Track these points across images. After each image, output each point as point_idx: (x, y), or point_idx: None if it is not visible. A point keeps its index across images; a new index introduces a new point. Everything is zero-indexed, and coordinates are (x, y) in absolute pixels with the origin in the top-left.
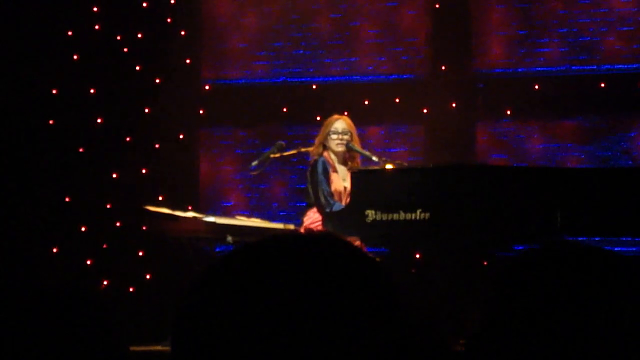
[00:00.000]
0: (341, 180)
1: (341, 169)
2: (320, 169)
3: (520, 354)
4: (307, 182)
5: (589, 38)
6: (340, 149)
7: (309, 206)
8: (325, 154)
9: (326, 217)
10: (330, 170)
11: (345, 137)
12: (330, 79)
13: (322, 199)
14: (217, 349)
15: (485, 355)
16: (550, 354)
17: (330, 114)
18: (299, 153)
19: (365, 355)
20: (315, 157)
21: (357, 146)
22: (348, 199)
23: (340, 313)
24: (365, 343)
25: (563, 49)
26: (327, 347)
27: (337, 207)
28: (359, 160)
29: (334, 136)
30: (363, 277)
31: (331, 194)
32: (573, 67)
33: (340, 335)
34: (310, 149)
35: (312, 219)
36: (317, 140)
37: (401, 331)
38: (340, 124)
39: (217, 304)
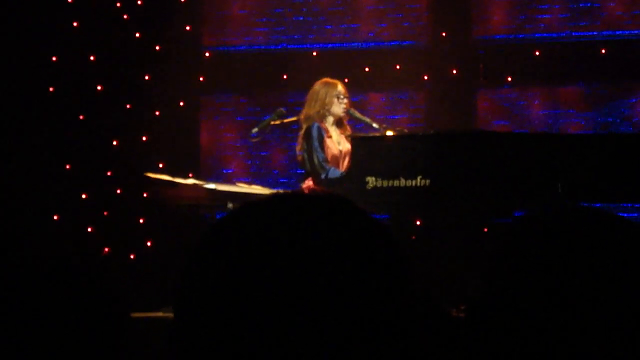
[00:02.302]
0: (336, 144)
1: (335, 132)
2: (315, 135)
3: (520, 319)
4: (303, 149)
5: (589, 4)
6: (344, 113)
7: (306, 174)
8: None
9: (324, 183)
10: (325, 135)
11: (346, 100)
12: (331, 45)
13: (317, 166)
14: (219, 310)
15: (485, 321)
16: (550, 318)
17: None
18: (299, 120)
19: (367, 316)
20: (308, 124)
21: (356, 112)
22: (345, 161)
23: (343, 273)
24: (368, 303)
25: (563, 15)
26: (330, 307)
27: (331, 173)
28: (347, 126)
29: (341, 99)
30: (366, 236)
31: (326, 160)
32: (574, 33)
33: (343, 295)
34: (302, 115)
35: (310, 185)
36: (315, 106)
37: (405, 290)
38: (342, 88)
39: (219, 265)
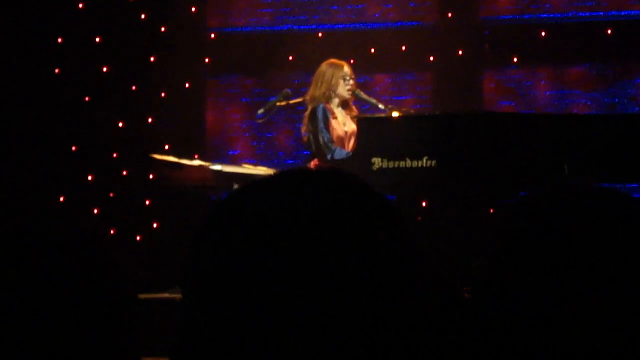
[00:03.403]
0: (341, 125)
1: (340, 113)
2: (320, 116)
3: (526, 300)
4: (308, 130)
5: None
6: (349, 94)
7: (312, 155)
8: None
9: (330, 163)
10: (330, 116)
11: (352, 82)
12: (337, 26)
13: (323, 146)
14: (228, 290)
15: (491, 302)
16: (557, 298)
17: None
18: (305, 101)
19: (374, 292)
20: (314, 105)
21: (362, 93)
22: (350, 142)
23: (350, 249)
24: (374, 278)
25: None
26: (337, 282)
27: (337, 153)
28: (353, 107)
29: (347, 81)
30: (374, 212)
31: (332, 141)
32: (579, 14)
33: (351, 271)
34: (307, 96)
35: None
36: (321, 87)
37: (411, 268)
38: (348, 69)
39: (226, 244)
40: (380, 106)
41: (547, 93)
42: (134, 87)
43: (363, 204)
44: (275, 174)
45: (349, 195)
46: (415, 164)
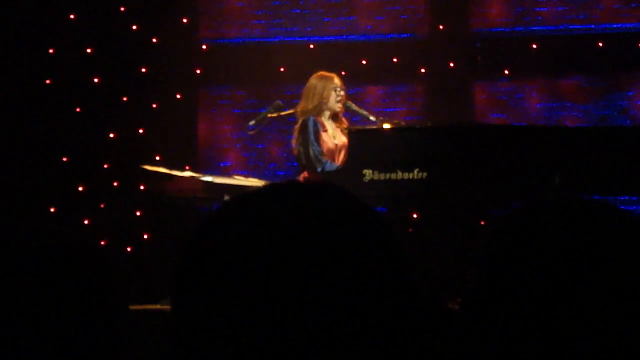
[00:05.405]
0: (332, 138)
1: (330, 126)
2: (311, 128)
3: (516, 311)
4: (298, 143)
5: None
6: (340, 106)
7: (302, 167)
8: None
9: (320, 176)
10: (321, 129)
11: (343, 93)
12: (328, 38)
13: (313, 159)
14: (217, 301)
15: (480, 313)
16: (546, 310)
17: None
18: (296, 113)
19: (364, 303)
20: (304, 117)
21: (353, 105)
22: (341, 155)
23: (339, 262)
24: (364, 292)
25: (561, 8)
26: (325, 294)
27: (328, 167)
28: (344, 119)
29: (338, 92)
30: (363, 225)
31: (322, 154)
32: (571, 26)
33: (339, 284)
34: (299, 109)
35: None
36: (313, 100)
37: (404, 280)
38: (338, 80)
39: (215, 256)
40: (372, 118)
41: (539, 105)
42: (125, 98)
43: (352, 216)
44: (264, 187)
45: (338, 207)
46: (406, 175)
